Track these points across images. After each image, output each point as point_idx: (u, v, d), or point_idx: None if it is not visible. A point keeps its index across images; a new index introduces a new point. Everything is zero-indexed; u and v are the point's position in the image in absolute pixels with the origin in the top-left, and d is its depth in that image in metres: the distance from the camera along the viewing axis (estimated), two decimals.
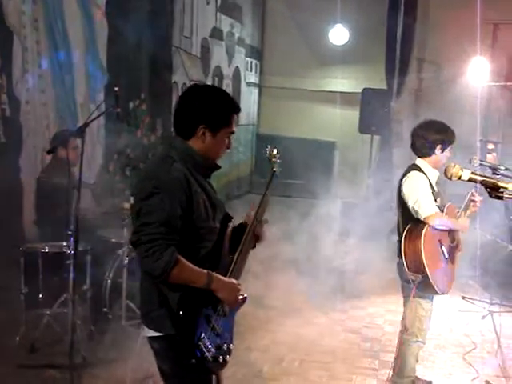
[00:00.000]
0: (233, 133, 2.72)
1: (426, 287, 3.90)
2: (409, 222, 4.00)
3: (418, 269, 3.84)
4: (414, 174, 4.06)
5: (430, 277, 3.82)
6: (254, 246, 2.88)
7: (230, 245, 2.74)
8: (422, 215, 3.89)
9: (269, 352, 5.05)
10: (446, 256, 4.02)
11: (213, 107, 2.62)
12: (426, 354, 5.02)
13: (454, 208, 4.13)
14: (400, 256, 4.08)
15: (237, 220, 2.89)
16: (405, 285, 4.15)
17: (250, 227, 2.77)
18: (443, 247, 4.00)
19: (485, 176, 2.32)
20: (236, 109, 2.72)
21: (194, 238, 2.55)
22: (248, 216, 2.85)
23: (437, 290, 3.90)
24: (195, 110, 2.61)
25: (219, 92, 2.75)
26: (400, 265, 4.10)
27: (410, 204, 3.96)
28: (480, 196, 4.18)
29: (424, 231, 3.86)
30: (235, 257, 2.66)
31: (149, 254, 2.39)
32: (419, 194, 3.95)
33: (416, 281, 3.85)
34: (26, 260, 4.70)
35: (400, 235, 4.11)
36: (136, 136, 7.92)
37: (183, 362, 2.47)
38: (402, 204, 4.08)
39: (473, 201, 4.12)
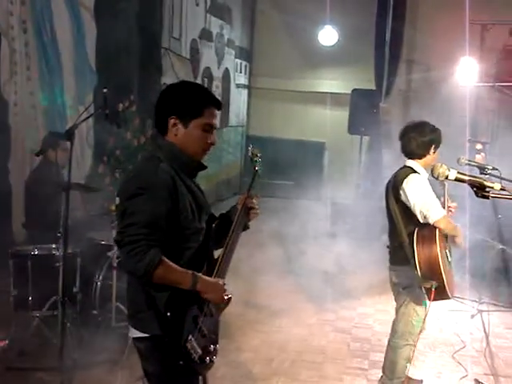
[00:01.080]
0: (210, 126, 2.63)
1: (440, 293, 3.78)
2: (411, 227, 3.89)
3: (434, 275, 3.72)
4: (415, 176, 3.97)
5: (445, 282, 3.72)
6: (248, 227, 2.88)
7: (219, 234, 2.74)
8: (433, 219, 3.81)
9: (259, 352, 5.05)
10: (450, 259, 3.99)
11: (181, 98, 2.60)
12: (416, 354, 5.01)
13: None
14: (397, 263, 4.05)
15: None
16: (401, 291, 4.11)
17: (241, 208, 2.79)
18: (446, 250, 3.96)
19: (471, 176, 2.33)
20: (210, 101, 2.64)
21: (179, 239, 2.54)
22: (240, 199, 2.86)
23: (449, 294, 3.82)
24: (166, 102, 2.62)
25: (191, 84, 2.74)
26: (398, 272, 4.06)
27: (418, 208, 3.87)
28: (454, 203, 4.18)
29: (437, 235, 3.76)
30: (221, 255, 2.66)
31: (131, 254, 2.38)
32: (426, 197, 3.88)
33: (432, 287, 3.71)
34: (15, 262, 4.67)
35: (396, 241, 4.03)
36: (125, 138, 7.92)
37: (169, 363, 2.46)
38: (403, 208, 3.97)
39: (449, 207, 4.12)
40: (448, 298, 3.86)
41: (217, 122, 2.69)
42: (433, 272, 3.73)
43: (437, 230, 3.80)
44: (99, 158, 7.39)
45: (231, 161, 12.73)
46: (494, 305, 6.31)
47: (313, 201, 10.89)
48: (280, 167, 10.94)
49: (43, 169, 5.32)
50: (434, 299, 3.80)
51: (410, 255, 3.82)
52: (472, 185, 2.26)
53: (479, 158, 8.44)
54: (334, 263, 7.40)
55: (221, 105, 2.70)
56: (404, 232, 3.96)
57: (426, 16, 11.47)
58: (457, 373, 4.84)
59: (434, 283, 3.72)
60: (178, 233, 2.53)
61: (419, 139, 4.03)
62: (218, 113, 2.68)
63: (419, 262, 3.75)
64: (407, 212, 3.95)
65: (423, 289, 3.80)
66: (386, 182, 4.23)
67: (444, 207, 4.03)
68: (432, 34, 10.99)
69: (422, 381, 4.59)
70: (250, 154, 3.03)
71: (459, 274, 6.63)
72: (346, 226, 9.06)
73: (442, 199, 4.07)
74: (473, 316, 6.04)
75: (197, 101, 2.60)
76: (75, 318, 4.78)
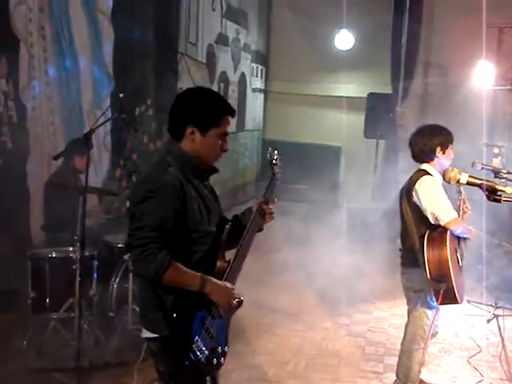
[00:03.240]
0: (226, 134, 2.71)
1: (448, 297, 3.77)
2: (422, 229, 3.89)
3: (443, 278, 3.71)
4: (428, 178, 3.97)
5: (454, 286, 3.72)
6: (261, 229, 2.89)
7: (232, 236, 2.75)
8: (444, 221, 3.79)
9: (274, 355, 5.07)
10: (461, 263, 3.98)
11: (200, 106, 2.64)
12: (431, 358, 5.03)
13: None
14: (408, 266, 4.05)
15: None
16: (411, 295, 4.12)
17: (256, 211, 2.81)
18: (458, 254, 3.95)
19: (483, 179, 2.34)
20: (227, 110, 2.70)
21: (188, 241, 2.59)
22: (256, 203, 2.87)
23: (458, 299, 3.81)
24: (183, 109, 2.65)
25: (209, 92, 2.77)
26: (410, 275, 4.05)
27: (429, 209, 3.85)
28: (468, 203, 4.16)
29: (447, 238, 3.76)
30: (233, 257, 2.69)
31: (141, 257, 2.44)
32: (438, 198, 3.87)
33: (441, 290, 3.71)
34: (33, 265, 4.74)
35: (407, 244, 4.04)
36: (142, 142, 7.98)
37: (178, 363, 2.50)
38: (415, 210, 3.97)
39: (463, 209, 4.10)
40: (457, 302, 3.84)
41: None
42: (442, 274, 3.73)
43: (447, 232, 3.79)
44: (116, 161, 7.45)
45: (247, 165, 12.75)
46: (511, 309, 6.26)
47: (328, 205, 10.89)
48: (296, 171, 10.93)
49: (63, 173, 5.40)
50: (442, 303, 3.81)
51: (421, 257, 3.81)
52: (484, 188, 2.27)
53: (496, 161, 8.41)
54: (350, 267, 7.39)
55: (235, 112, 2.76)
56: (415, 234, 3.96)
57: (442, 19, 11.40)
58: (472, 377, 4.82)
59: (443, 286, 3.71)
60: (186, 236, 2.57)
61: (421, 143, 4.06)
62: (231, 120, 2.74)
63: (429, 264, 3.75)
64: (419, 214, 3.95)
65: (432, 291, 3.80)
66: (402, 185, 4.24)
67: (460, 211, 4.02)
68: (448, 38, 10.93)
69: None
70: (268, 157, 3.03)
71: (475, 278, 6.64)
72: (362, 229, 9.04)
73: (458, 203, 4.06)
74: (489, 321, 6.00)
75: (215, 110, 2.66)
76: (92, 320, 4.83)
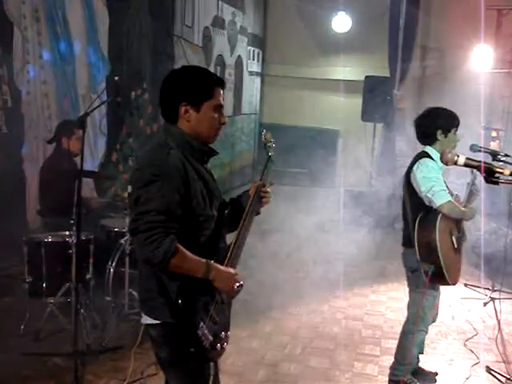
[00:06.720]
0: (221, 106, 2.64)
1: (438, 278, 3.83)
2: (419, 210, 3.91)
3: (432, 259, 3.77)
4: (425, 160, 3.97)
5: (443, 267, 3.76)
6: (259, 213, 2.88)
7: (231, 220, 2.75)
8: (436, 203, 3.81)
9: (271, 339, 5.08)
10: (456, 246, 3.99)
11: (188, 82, 2.58)
12: (428, 341, 5.02)
13: (459, 199, 4.03)
14: (406, 245, 4.07)
15: None
16: (410, 275, 4.13)
17: (253, 195, 2.79)
18: (453, 237, 3.96)
19: (480, 161, 2.32)
20: (216, 81, 2.64)
21: (192, 226, 2.54)
22: (253, 186, 2.86)
23: (448, 280, 3.85)
24: (172, 90, 2.59)
25: (194, 68, 2.71)
26: (407, 255, 4.07)
27: (423, 191, 3.87)
28: (478, 188, 4.15)
29: (438, 220, 3.78)
30: (233, 242, 2.66)
31: (148, 242, 2.36)
32: (432, 181, 3.87)
33: (429, 271, 3.77)
34: (30, 249, 4.73)
35: (407, 224, 4.07)
36: (138, 125, 7.94)
37: (181, 350, 2.48)
38: (412, 191, 3.99)
39: (472, 192, 4.09)
40: (447, 283, 3.90)
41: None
42: (430, 255, 3.78)
43: (439, 214, 3.81)
44: (112, 145, 7.42)
45: (244, 149, 12.71)
46: (507, 292, 6.28)
47: (326, 188, 10.88)
48: (293, 155, 10.94)
49: (57, 156, 5.36)
50: (434, 283, 3.91)
51: (413, 239, 3.87)
52: (481, 170, 2.26)
53: (494, 145, 8.40)
54: (347, 250, 7.40)
55: (224, 83, 2.70)
56: (412, 214, 3.99)
57: (440, 1, 11.33)
58: (468, 360, 4.84)
59: (432, 267, 3.77)
60: (191, 220, 2.52)
61: (423, 126, 4.07)
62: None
63: (418, 246, 3.83)
64: (416, 195, 3.97)
65: (422, 272, 3.86)
66: (400, 168, 4.24)
67: (471, 198, 4.02)
68: (447, 20, 10.85)
69: (437, 373, 4.52)
70: (262, 139, 3.01)
71: (473, 261, 6.66)
72: (359, 213, 9.04)
73: (468, 190, 4.06)
74: (485, 304, 6.03)
75: (204, 83, 2.60)
76: (88, 305, 4.83)
